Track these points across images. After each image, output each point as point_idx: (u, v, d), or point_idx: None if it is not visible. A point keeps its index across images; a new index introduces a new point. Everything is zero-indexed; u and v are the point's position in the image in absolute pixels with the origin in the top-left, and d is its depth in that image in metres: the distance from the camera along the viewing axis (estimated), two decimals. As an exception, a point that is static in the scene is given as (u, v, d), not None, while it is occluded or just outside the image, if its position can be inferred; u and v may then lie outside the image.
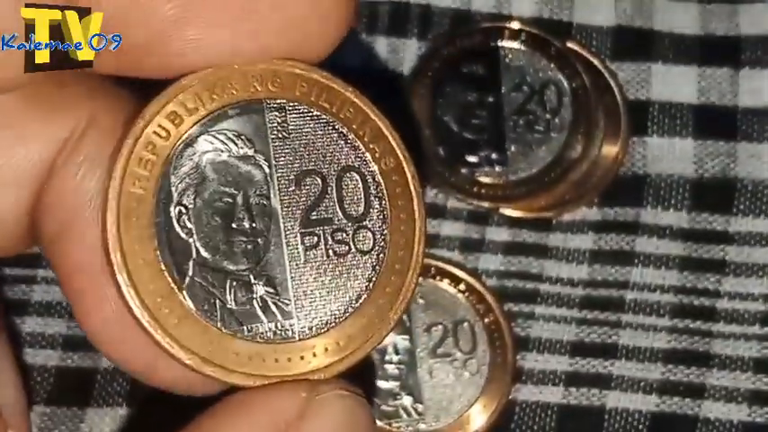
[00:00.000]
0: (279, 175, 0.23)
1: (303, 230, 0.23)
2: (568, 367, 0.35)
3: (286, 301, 0.23)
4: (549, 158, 0.36)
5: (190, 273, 0.23)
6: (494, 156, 0.36)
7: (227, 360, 0.23)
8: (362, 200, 0.24)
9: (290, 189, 0.23)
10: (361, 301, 0.24)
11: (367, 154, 0.24)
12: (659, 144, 0.36)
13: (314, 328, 0.23)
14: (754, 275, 0.35)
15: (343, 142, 0.23)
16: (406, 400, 0.35)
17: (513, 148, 0.36)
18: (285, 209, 0.23)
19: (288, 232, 0.23)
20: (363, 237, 0.24)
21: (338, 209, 0.23)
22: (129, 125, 0.24)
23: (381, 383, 0.35)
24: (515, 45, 0.36)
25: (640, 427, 0.34)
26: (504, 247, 0.35)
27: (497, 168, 0.36)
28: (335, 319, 0.23)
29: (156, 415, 0.34)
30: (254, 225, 0.23)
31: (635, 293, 0.35)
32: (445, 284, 0.35)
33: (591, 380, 0.35)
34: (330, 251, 0.23)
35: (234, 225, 0.23)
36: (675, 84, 0.36)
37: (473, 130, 0.36)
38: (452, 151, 0.36)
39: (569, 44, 0.36)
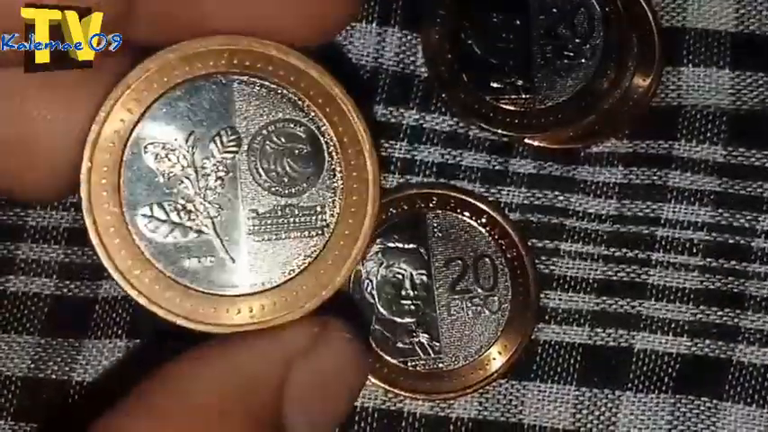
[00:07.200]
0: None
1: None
2: (595, 307, 0.33)
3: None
4: (579, 87, 0.34)
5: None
6: (519, 82, 0.34)
7: None
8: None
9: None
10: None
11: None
12: (695, 74, 0.35)
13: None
14: (794, 213, 0.34)
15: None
16: (423, 338, 0.33)
17: (540, 75, 0.34)
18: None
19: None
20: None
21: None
22: None
23: (396, 319, 0.33)
24: (545, -35, 0.34)
25: (670, 370, 0.33)
26: (528, 179, 0.34)
27: (523, 96, 0.34)
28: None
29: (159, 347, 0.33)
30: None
31: (666, 230, 0.34)
32: (465, 217, 0.34)
33: (618, 320, 0.33)
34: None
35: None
36: (713, 10, 0.35)
37: (498, 55, 0.34)
38: (476, 77, 0.34)
39: (602, -34, 0.35)
